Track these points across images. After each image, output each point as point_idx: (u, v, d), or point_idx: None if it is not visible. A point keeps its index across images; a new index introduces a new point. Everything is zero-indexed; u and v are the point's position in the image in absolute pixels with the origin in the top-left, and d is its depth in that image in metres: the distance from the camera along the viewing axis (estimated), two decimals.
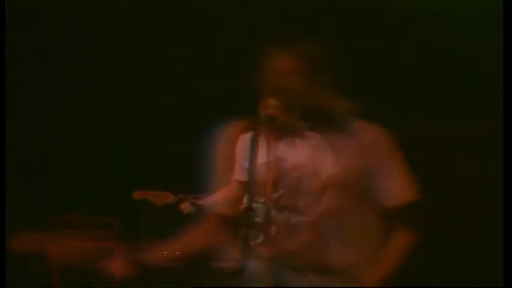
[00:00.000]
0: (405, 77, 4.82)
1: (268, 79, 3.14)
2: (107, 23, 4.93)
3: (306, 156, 3.18)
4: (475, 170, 4.80)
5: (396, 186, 3.15)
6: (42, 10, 4.87)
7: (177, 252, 3.38)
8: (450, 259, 4.73)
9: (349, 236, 3.13)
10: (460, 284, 4.50)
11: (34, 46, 4.96)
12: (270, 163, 3.20)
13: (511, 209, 3.23)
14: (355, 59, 4.30)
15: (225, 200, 3.51)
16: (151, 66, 5.03)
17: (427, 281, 4.44)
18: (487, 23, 4.40)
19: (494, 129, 4.06)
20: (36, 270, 4.51)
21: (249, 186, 3.22)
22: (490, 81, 4.40)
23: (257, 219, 3.14)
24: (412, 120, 4.71)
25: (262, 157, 3.22)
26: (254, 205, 3.15)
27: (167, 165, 5.13)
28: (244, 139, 3.41)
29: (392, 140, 3.19)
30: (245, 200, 3.30)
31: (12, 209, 4.34)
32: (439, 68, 4.83)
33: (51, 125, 5.13)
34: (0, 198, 3.94)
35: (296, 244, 3.11)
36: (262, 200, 3.19)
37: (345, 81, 3.17)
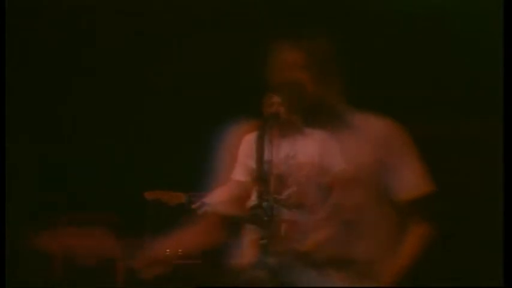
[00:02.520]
0: (404, 77, 4.82)
1: (272, 75, 3.14)
2: (109, 23, 4.92)
3: (314, 152, 3.18)
4: (474, 170, 4.80)
5: (410, 179, 3.16)
6: (42, 10, 4.86)
7: (180, 250, 3.39)
8: (450, 259, 4.73)
9: (364, 230, 3.13)
10: (460, 283, 4.50)
11: (34, 46, 4.95)
12: (276, 161, 3.19)
13: (511, 209, 3.23)
14: (354, 57, 4.30)
15: (225, 199, 3.50)
16: (155, 64, 5.01)
17: (426, 280, 4.44)
18: (487, 22, 4.40)
19: (494, 129, 4.06)
20: (44, 269, 4.48)
21: (257, 185, 3.24)
22: (489, 82, 4.40)
23: (266, 218, 3.14)
24: (411, 121, 4.70)
25: (268, 155, 3.21)
26: (264, 204, 3.16)
27: (171, 164, 5.09)
28: (249, 139, 3.42)
29: (405, 133, 3.20)
30: (253, 198, 3.32)
31: (14, 208, 4.35)
32: (438, 68, 4.83)
33: (53, 123, 5.11)
34: (0, 197, 3.94)
35: (308, 240, 3.09)
36: (270, 198, 3.17)
37: (347, 79, 3.18)
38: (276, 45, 3.14)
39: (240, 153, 3.53)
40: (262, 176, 3.20)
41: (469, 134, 4.81)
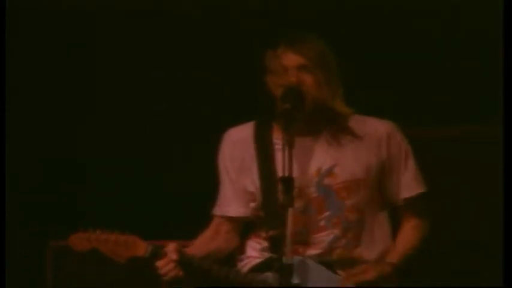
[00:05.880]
0: (404, 78, 4.82)
1: (274, 79, 3.08)
2: (110, 22, 4.92)
3: (327, 155, 3.08)
4: (475, 171, 4.81)
5: (408, 179, 3.16)
6: (42, 10, 4.86)
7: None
8: (450, 259, 4.74)
9: (371, 231, 3.13)
10: (460, 283, 4.51)
11: (35, 46, 4.95)
12: (302, 178, 2.65)
13: (511, 209, 3.24)
14: (350, 58, 4.30)
15: (208, 250, 2.95)
16: (154, 66, 5.00)
17: (426, 280, 4.45)
18: (487, 23, 4.40)
19: (494, 131, 4.07)
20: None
21: (265, 225, 2.75)
22: (489, 83, 4.40)
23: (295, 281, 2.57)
24: (412, 123, 4.71)
25: (280, 168, 2.63)
26: (284, 260, 2.45)
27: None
28: (240, 137, 3.05)
29: (403, 134, 3.22)
30: (255, 250, 2.89)
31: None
32: (437, 69, 4.83)
33: (51, 124, 5.10)
34: (0, 196, 3.95)
35: (320, 241, 3.03)
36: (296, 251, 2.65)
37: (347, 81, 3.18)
38: (276, 49, 3.11)
39: (226, 166, 2.81)
40: (274, 205, 2.61)
41: (468, 136, 4.82)
